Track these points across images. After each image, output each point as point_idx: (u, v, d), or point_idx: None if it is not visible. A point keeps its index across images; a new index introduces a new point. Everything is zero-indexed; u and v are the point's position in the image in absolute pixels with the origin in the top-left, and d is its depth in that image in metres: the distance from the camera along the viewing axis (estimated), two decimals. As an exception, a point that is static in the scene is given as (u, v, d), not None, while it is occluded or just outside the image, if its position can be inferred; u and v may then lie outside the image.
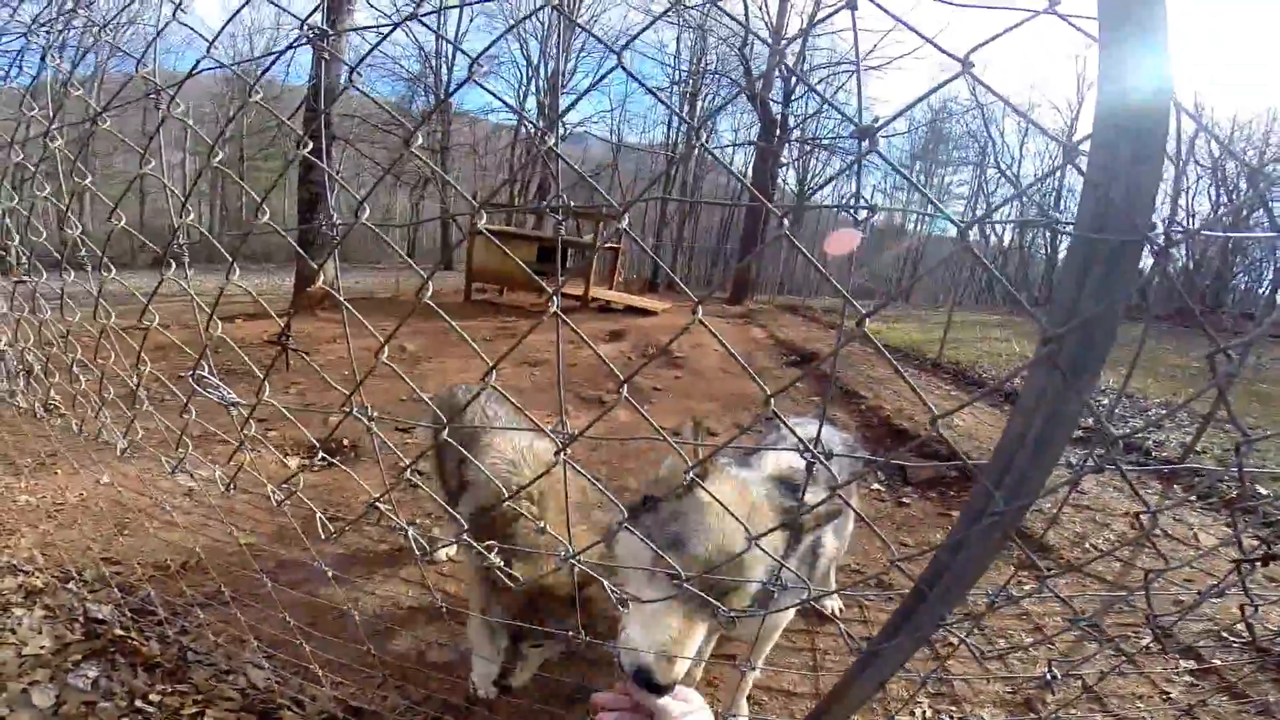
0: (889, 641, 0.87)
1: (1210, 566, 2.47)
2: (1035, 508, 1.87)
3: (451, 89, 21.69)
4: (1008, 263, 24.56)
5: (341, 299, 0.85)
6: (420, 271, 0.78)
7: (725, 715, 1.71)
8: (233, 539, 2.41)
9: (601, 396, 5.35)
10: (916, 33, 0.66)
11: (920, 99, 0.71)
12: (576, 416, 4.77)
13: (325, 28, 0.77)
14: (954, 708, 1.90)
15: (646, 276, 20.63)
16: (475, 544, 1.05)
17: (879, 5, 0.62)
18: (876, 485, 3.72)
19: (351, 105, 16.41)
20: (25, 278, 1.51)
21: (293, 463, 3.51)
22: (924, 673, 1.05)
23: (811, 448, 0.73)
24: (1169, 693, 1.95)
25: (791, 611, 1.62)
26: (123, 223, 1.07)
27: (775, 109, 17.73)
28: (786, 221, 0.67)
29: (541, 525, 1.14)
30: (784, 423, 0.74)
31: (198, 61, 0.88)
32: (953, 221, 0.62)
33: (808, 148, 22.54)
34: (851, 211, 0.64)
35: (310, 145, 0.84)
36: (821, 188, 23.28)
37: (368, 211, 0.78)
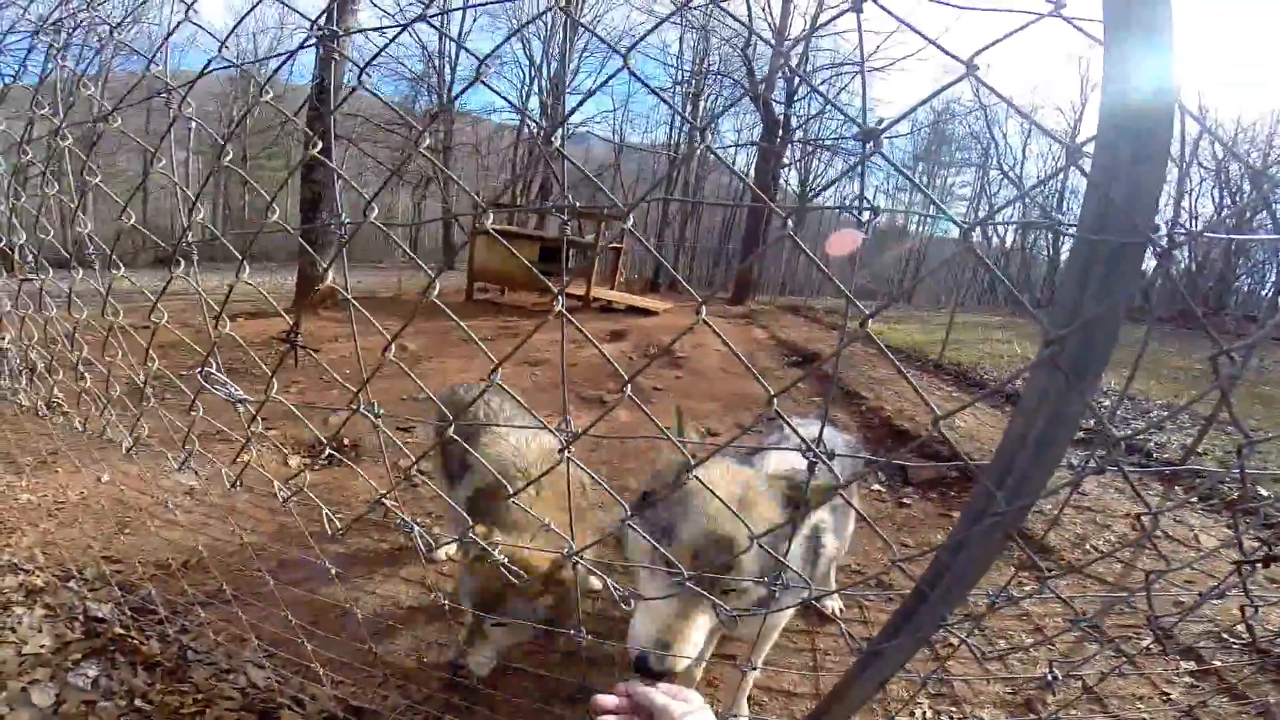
0: (890, 642, 0.87)
1: (1211, 568, 2.47)
2: (1036, 509, 1.87)
3: (456, 89, 21.82)
4: (1010, 264, 24.53)
5: (350, 298, 0.85)
6: (428, 270, 0.78)
7: (726, 715, 1.71)
8: (234, 538, 2.41)
9: (602, 396, 5.36)
10: (920, 34, 0.66)
11: (924, 101, 0.71)
12: (578, 416, 4.77)
13: (335, 28, 0.77)
14: (954, 708, 1.90)
15: (648, 276, 20.66)
16: (480, 541, 1.06)
17: (883, 7, 0.62)
18: (877, 485, 3.72)
19: (354, 105, 16.45)
20: (31, 275, 1.51)
21: (294, 462, 3.51)
22: (924, 673, 1.05)
23: (813, 448, 0.73)
24: (1169, 694, 1.95)
25: (791, 610, 1.63)
26: (132, 221, 1.08)
27: (778, 110, 17.74)
28: (789, 222, 0.67)
29: (546, 522, 1.15)
30: (787, 422, 0.74)
31: (209, 61, 0.88)
32: (955, 223, 0.62)
33: (810, 148, 22.55)
34: (854, 212, 0.64)
35: (320, 145, 0.84)
36: (825, 189, 23.27)
37: (375, 211, 0.78)
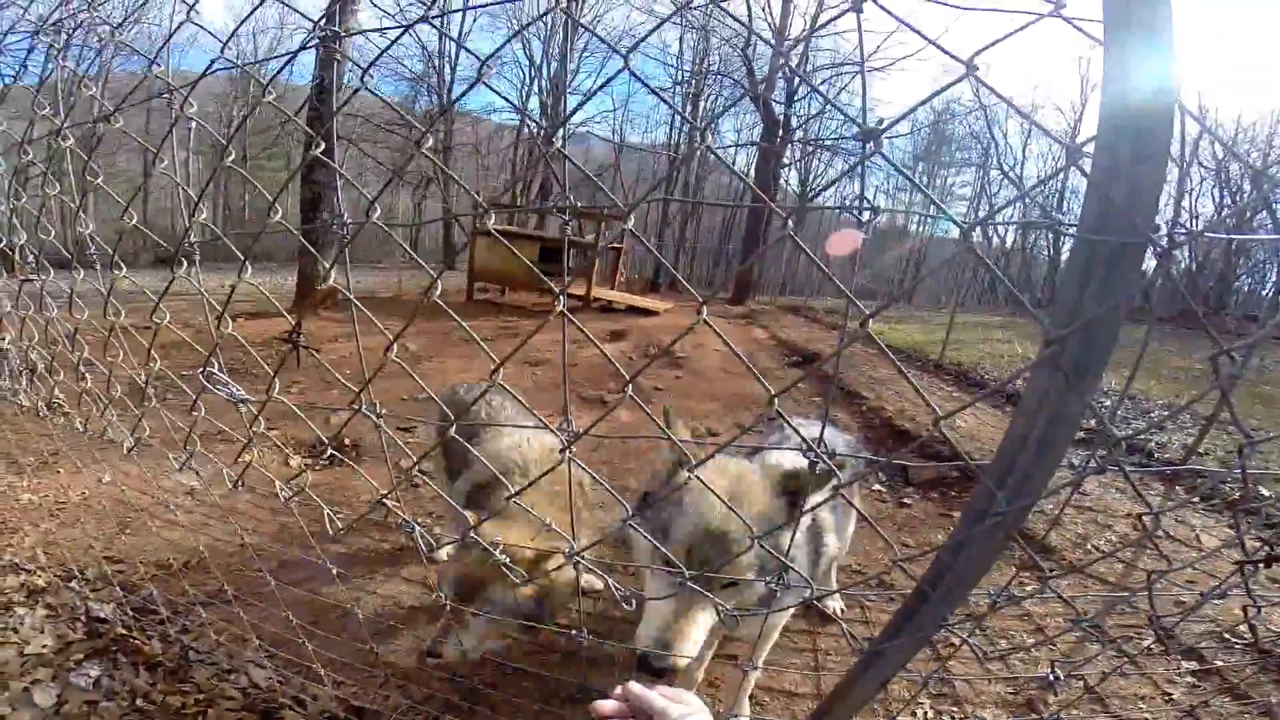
0: (891, 641, 0.87)
1: (1212, 568, 2.47)
2: (1037, 509, 1.87)
3: (457, 90, 21.83)
4: (1010, 264, 24.52)
5: (352, 298, 0.85)
6: (430, 270, 0.78)
7: (728, 715, 1.72)
8: (235, 538, 2.41)
9: (603, 396, 5.36)
10: (920, 34, 0.66)
11: (924, 101, 0.71)
12: (578, 416, 4.77)
13: (337, 29, 0.77)
14: (955, 708, 1.90)
15: (648, 276, 20.66)
16: (481, 540, 1.06)
17: (883, 7, 0.62)
18: (878, 486, 3.72)
19: (354, 105, 16.46)
20: (32, 276, 1.52)
21: (295, 462, 3.52)
22: (926, 673, 1.06)
23: (814, 448, 0.73)
24: (1171, 694, 1.94)
25: (791, 610, 1.63)
26: (134, 221, 1.08)
27: (778, 110, 17.75)
28: (790, 222, 0.67)
29: (548, 522, 1.15)
30: (788, 422, 0.74)
31: (212, 62, 0.89)
32: (955, 223, 0.62)
33: (810, 148, 22.55)
34: (854, 212, 0.64)
35: (323, 146, 0.84)
36: (825, 189, 23.28)
37: (378, 211, 0.78)
